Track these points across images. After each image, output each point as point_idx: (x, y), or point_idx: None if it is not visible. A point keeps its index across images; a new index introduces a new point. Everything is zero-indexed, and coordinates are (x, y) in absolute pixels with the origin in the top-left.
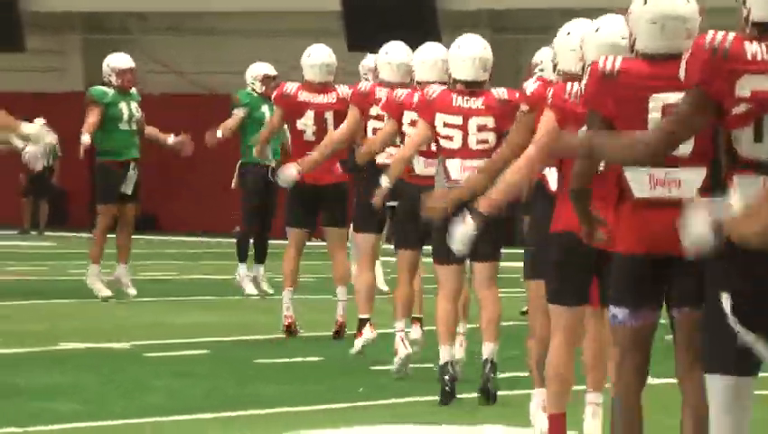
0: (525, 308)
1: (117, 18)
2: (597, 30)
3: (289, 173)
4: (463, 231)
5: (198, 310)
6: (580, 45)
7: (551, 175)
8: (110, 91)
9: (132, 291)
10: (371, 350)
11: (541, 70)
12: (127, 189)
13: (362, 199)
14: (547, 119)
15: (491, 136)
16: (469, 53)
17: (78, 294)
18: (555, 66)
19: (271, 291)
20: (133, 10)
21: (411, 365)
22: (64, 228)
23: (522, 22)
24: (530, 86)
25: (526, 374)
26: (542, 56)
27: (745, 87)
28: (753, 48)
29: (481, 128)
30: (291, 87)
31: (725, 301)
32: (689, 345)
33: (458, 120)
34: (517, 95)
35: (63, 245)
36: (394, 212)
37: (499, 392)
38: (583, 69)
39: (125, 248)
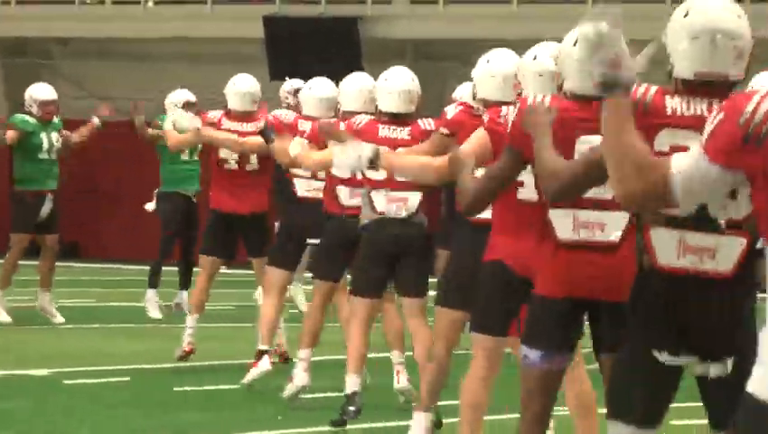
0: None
1: (39, 43)
2: (534, 58)
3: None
4: (352, 162)
5: (119, 337)
6: (515, 74)
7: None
8: (32, 120)
9: (59, 319)
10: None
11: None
12: (43, 214)
13: (281, 233)
14: (479, 136)
15: None
16: (396, 86)
17: None
18: (474, 96)
19: (159, 315)
20: (54, 35)
21: (328, 394)
22: None
23: (446, 51)
24: (451, 111)
25: (449, 403)
26: (462, 92)
27: (664, 142)
28: (673, 102)
29: None
30: (215, 115)
31: (661, 356)
32: None
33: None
34: None
35: None
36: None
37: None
38: (519, 96)
39: (46, 276)
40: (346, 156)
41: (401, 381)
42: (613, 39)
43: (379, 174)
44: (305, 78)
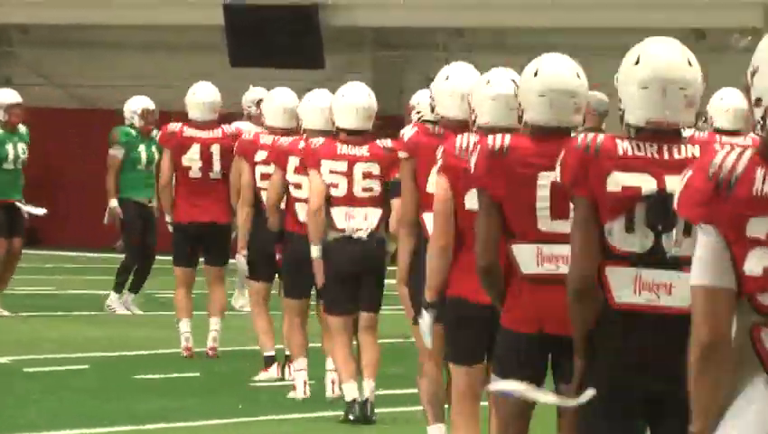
0: None
1: None
2: (488, 82)
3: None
4: (427, 324)
5: (78, 325)
6: (468, 99)
7: (428, 220)
8: None
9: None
10: (249, 367)
11: (418, 113)
12: (37, 211)
13: (253, 247)
14: (440, 187)
15: (375, 184)
16: (353, 102)
17: None
18: (433, 108)
19: (139, 312)
20: (14, 22)
21: (287, 382)
22: None
23: (407, 39)
24: (408, 132)
25: (406, 391)
26: (419, 98)
27: (617, 183)
28: (624, 145)
29: (366, 176)
30: (175, 126)
31: (584, 396)
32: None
33: (343, 166)
34: None
35: None
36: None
37: (379, 410)
38: (474, 122)
39: (6, 280)
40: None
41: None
42: None
43: (339, 191)
44: (266, 65)
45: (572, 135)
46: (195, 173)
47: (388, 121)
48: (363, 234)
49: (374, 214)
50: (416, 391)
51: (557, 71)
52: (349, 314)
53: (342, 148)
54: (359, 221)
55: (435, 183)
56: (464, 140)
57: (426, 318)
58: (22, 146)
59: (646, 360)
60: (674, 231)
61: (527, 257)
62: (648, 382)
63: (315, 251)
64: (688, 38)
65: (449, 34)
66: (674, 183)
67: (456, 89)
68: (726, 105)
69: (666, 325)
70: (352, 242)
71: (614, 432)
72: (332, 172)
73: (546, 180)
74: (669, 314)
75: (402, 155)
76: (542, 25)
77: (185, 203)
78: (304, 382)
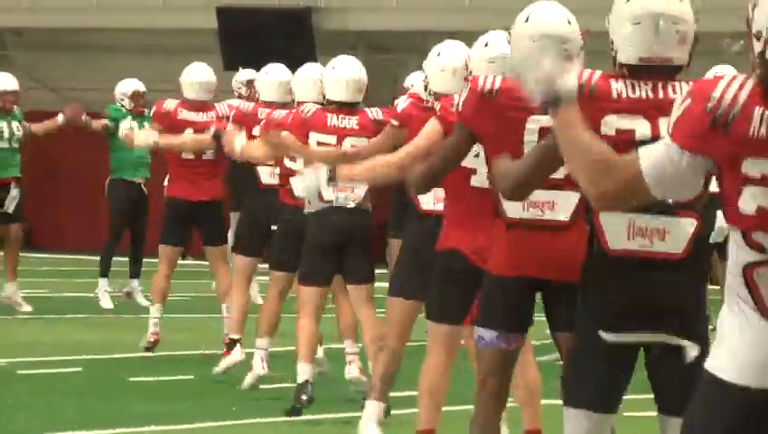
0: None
1: None
2: (486, 45)
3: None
4: (312, 185)
5: (71, 327)
6: (466, 62)
7: (424, 196)
8: None
9: (27, 307)
10: (243, 369)
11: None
12: (9, 208)
13: (244, 221)
14: (432, 126)
15: None
16: (343, 75)
17: None
18: (426, 87)
19: (146, 304)
20: (8, 26)
21: (283, 385)
22: None
23: (399, 43)
24: (401, 103)
25: (404, 394)
26: (413, 80)
27: (610, 126)
28: (618, 86)
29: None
30: (170, 104)
31: (608, 336)
32: None
33: (332, 139)
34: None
35: None
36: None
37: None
38: None
39: (12, 266)
40: (306, 183)
41: (352, 370)
42: (540, 57)
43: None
44: (259, 69)
45: None
46: (187, 154)
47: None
48: (351, 203)
49: (361, 187)
50: (410, 392)
51: (549, 17)
52: (323, 285)
53: (332, 120)
54: (346, 194)
55: (427, 124)
56: (460, 98)
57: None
58: (15, 124)
59: (639, 300)
60: None
61: (512, 202)
62: (641, 324)
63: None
64: None
65: (442, 38)
66: None
67: (448, 64)
68: None
69: (660, 269)
70: (337, 212)
71: (610, 372)
72: (320, 144)
73: (535, 124)
74: (663, 258)
75: (393, 122)
76: None
77: (180, 182)
78: (262, 359)
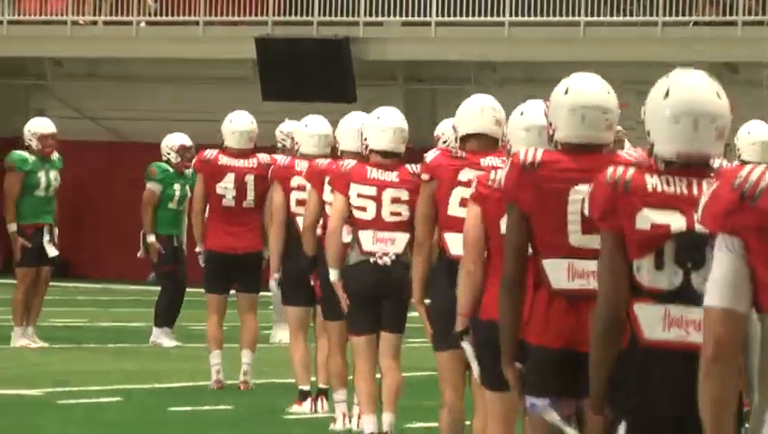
0: None
1: (32, 63)
2: (522, 113)
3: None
4: (469, 352)
5: (111, 357)
6: (504, 129)
7: (451, 239)
8: (31, 158)
9: (39, 344)
10: (282, 400)
11: (444, 142)
12: (51, 252)
13: (288, 271)
14: (471, 214)
15: (404, 209)
16: (388, 124)
17: None
18: (456, 138)
19: (174, 344)
20: (48, 55)
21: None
22: None
23: (438, 73)
24: (430, 155)
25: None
26: (444, 128)
27: (645, 220)
28: (653, 181)
29: (394, 201)
30: (211, 153)
31: (621, 429)
32: None
33: (372, 191)
34: None
35: None
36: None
37: None
38: (508, 153)
39: (35, 310)
40: None
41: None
42: None
43: (367, 215)
44: (297, 99)
45: (603, 152)
46: (229, 201)
47: (419, 154)
48: (388, 260)
49: (402, 239)
50: None
51: (588, 87)
52: (371, 332)
53: (372, 172)
54: (386, 246)
55: (467, 210)
56: (496, 174)
57: (466, 347)
58: (54, 174)
59: (675, 393)
60: (704, 269)
61: (558, 272)
62: (673, 412)
63: (334, 275)
64: (721, 71)
65: (480, 68)
66: None
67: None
68: (753, 138)
69: (695, 359)
70: (376, 266)
71: None
72: (360, 196)
73: (577, 195)
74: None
75: (424, 177)
76: (572, 59)
77: (218, 231)
78: (344, 415)
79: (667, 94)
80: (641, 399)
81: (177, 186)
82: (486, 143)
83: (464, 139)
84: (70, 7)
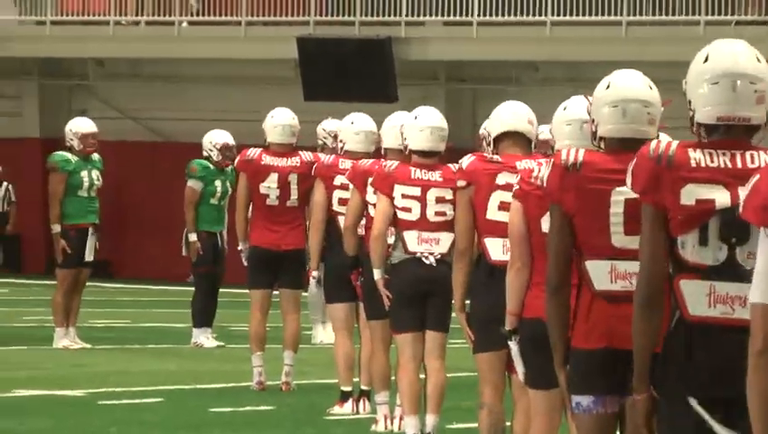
0: None
1: (75, 64)
2: (565, 108)
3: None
4: (515, 352)
5: (152, 358)
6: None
7: (491, 244)
8: (73, 159)
9: (80, 345)
10: (324, 400)
11: (489, 144)
12: (90, 256)
13: (330, 269)
14: (514, 212)
15: (448, 209)
16: (427, 123)
17: (32, 341)
18: (489, 142)
19: (215, 344)
20: (90, 56)
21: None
22: (18, 274)
23: (479, 72)
24: (466, 161)
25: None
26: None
27: (690, 195)
28: (696, 155)
29: (439, 200)
30: (253, 152)
31: (695, 404)
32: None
33: (416, 192)
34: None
35: (17, 292)
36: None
37: None
38: (553, 148)
39: (74, 311)
40: None
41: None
42: None
43: (412, 215)
44: (339, 99)
45: None
46: (272, 200)
47: (462, 154)
48: (433, 260)
49: (446, 239)
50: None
51: (629, 82)
52: (415, 330)
53: (416, 173)
54: (430, 246)
55: (511, 209)
56: (539, 170)
57: (512, 347)
58: (96, 173)
59: (720, 370)
60: (748, 244)
61: (600, 273)
62: (721, 392)
63: (378, 274)
64: None
65: (522, 68)
66: None
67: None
68: None
69: (741, 335)
70: (421, 264)
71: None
72: (404, 196)
73: (620, 196)
74: (745, 326)
75: (460, 183)
76: (614, 58)
77: (262, 229)
78: (386, 416)
79: (706, 59)
80: (687, 379)
81: (218, 182)
82: (520, 143)
83: (498, 141)
84: (113, 7)
